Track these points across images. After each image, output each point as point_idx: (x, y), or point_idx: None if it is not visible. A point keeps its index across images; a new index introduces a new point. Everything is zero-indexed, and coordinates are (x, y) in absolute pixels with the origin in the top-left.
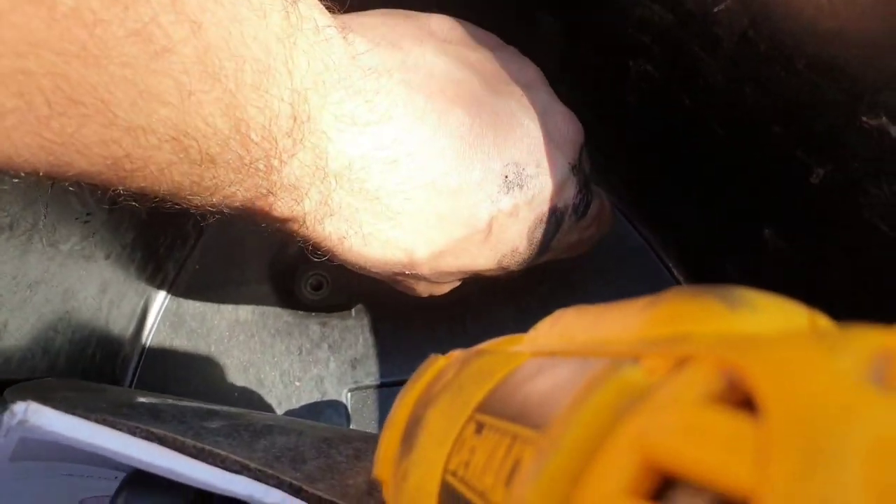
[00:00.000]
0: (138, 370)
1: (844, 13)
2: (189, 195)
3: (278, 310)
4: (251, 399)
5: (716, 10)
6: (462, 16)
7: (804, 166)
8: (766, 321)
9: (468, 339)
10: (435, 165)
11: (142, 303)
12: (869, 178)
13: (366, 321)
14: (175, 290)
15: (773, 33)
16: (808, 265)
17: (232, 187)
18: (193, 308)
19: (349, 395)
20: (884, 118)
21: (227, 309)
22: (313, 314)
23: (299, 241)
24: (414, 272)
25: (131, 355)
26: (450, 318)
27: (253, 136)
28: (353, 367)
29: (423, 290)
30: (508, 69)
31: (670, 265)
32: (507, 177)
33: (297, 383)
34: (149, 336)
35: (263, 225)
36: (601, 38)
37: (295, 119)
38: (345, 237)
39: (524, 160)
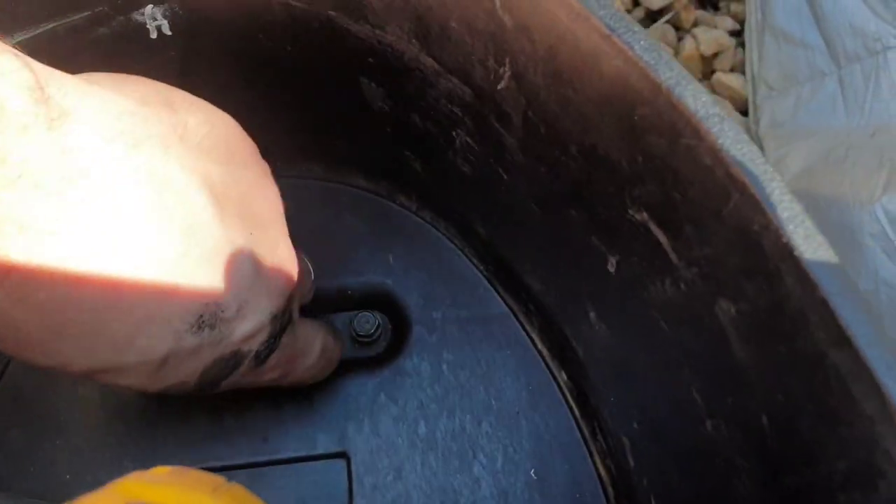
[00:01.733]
0: None
1: (586, 97)
2: None
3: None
4: (82, 482)
5: (498, 87)
6: (284, 83)
7: (601, 255)
8: None
9: (316, 418)
10: (125, 293)
11: None
12: (647, 275)
13: (207, 400)
14: (15, 363)
15: (545, 116)
16: (624, 350)
17: None
18: (34, 383)
19: None
20: (645, 214)
21: (69, 384)
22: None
23: None
24: (80, 375)
25: None
26: (297, 394)
27: None
28: (190, 450)
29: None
30: (251, 197)
31: (533, 335)
32: (202, 316)
33: (131, 464)
34: None
35: None
36: (423, 106)
37: None
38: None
39: (227, 302)
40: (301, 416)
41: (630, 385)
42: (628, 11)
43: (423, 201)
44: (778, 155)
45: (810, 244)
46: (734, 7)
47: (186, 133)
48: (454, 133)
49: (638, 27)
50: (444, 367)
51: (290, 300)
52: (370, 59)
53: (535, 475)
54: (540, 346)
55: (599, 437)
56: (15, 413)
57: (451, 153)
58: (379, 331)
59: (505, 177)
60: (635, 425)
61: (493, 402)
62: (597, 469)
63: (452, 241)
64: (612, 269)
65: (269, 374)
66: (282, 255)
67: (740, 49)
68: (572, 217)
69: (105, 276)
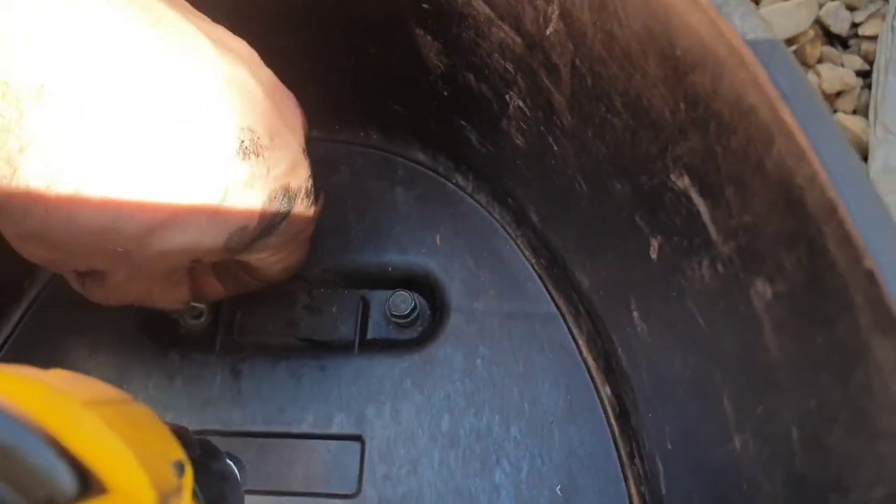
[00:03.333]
0: None
1: (631, 32)
2: None
3: (141, 334)
4: None
5: (547, 32)
6: (336, 32)
7: (644, 237)
8: None
9: (335, 395)
10: (160, 112)
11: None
12: (686, 256)
13: (228, 360)
14: (40, 300)
15: (591, 63)
16: (663, 355)
17: None
18: (56, 323)
19: None
20: (686, 179)
21: (91, 327)
22: (177, 344)
23: None
24: (122, 250)
25: None
26: (320, 368)
27: None
28: (203, 409)
29: (118, 286)
30: (229, 40)
31: (580, 341)
32: (242, 142)
33: None
34: (2, 349)
35: None
36: (477, 63)
37: None
38: (49, 186)
39: (258, 129)
40: (321, 391)
41: (667, 398)
42: None
43: (479, 182)
44: (889, 202)
45: (862, 201)
46: (865, 46)
47: None
48: (507, 96)
49: None
50: (479, 361)
51: (306, 138)
52: (424, 5)
53: (561, 492)
54: (586, 353)
55: (637, 460)
56: (38, 348)
57: (504, 121)
58: (415, 313)
59: (555, 147)
60: (669, 445)
61: (527, 407)
62: (629, 495)
63: (506, 229)
64: (654, 254)
65: (310, 227)
66: (285, 90)
67: (867, 91)
68: (617, 192)
69: (139, 115)
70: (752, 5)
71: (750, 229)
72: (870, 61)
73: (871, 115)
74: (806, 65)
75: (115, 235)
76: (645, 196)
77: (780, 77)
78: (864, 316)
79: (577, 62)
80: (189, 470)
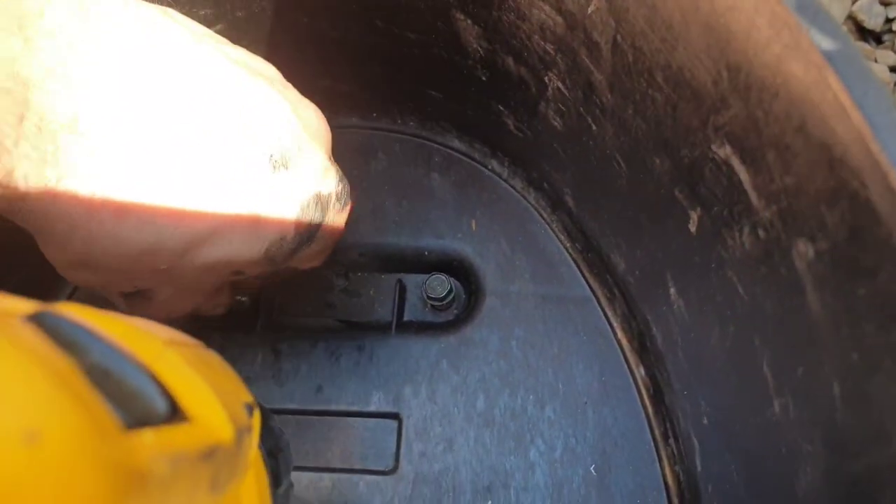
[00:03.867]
0: None
1: (674, 3)
2: None
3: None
4: None
5: (589, 11)
6: (375, 19)
7: (683, 211)
8: None
9: (373, 374)
10: (196, 130)
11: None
12: (727, 226)
13: (268, 340)
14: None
15: (633, 38)
16: (700, 329)
17: None
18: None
19: None
20: (728, 147)
21: None
22: (217, 324)
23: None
24: (166, 266)
25: None
26: (357, 348)
27: None
28: None
29: (164, 303)
30: (255, 63)
31: (614, 323)
32: (272, 156)
33: None
34: None
35: None
36: (517, 46)
37: None
38: (90, 209)
39: (287, 142)
40: (358, 371)
41: (703, 373)
42: None
43: (514, 167)
44: None
45: None
46: None
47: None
48: (546, 78)
49: None
50: (514, 343)
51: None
52: None
53: (595, 472)
54: (620, 335)
55: (671, 441)
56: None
57: (542, 104)
58: (451, 296)
59: (594, 127)
60: (705, 420)
61: (561, 388)
62: (664, 475)
63: (541, 214)
64: (693, 227)
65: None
66: (309, 105)
67: None
68: (656, 167)
69: (175, 135)
70: None
71: (791, 191)
72: None
73: None
74: None
75: (159, 251)
76: (685, 169)
77: (823, 39)
78: None
79: (619, 38)
80: (258, 412)
